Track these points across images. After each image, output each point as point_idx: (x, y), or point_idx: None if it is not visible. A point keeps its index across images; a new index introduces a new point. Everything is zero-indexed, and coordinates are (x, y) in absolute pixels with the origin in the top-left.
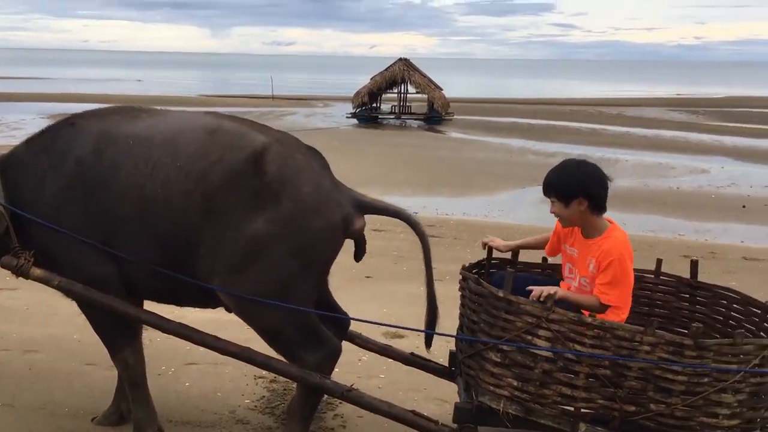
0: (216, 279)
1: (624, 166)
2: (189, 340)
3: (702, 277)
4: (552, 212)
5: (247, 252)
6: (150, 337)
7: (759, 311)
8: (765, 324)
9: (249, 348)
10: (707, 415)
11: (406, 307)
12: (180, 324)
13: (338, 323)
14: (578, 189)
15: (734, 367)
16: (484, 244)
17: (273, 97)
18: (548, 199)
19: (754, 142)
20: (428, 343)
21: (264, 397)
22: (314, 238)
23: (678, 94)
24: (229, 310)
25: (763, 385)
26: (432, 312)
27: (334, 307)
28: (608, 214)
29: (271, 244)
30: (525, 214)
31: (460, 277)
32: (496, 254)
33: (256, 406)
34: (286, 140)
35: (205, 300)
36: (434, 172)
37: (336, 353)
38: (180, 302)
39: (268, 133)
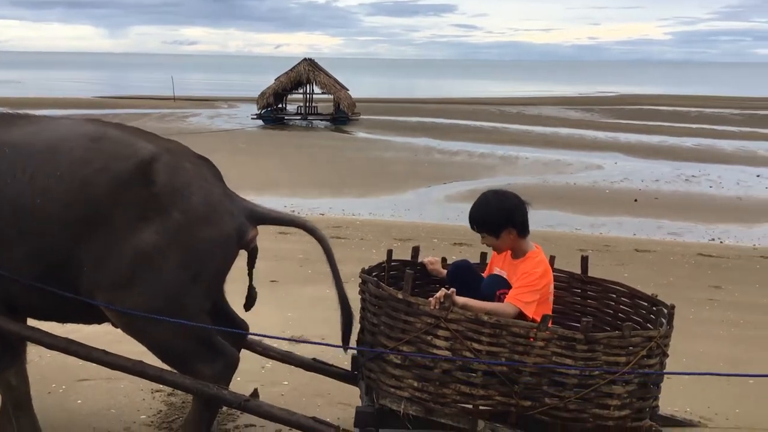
0: (100, 294)
1: (524, 163)
2: (75, 356)
3: (596, 270)
4: (484, 243)
5: (134, 265)
6: (40, 353)
7: (646, 303)
8: (651, 316)
9: (141, 361)
10: (599, 407)
11: (311, 311)
12: (66, 339)
13: (236, 334)
14: (506, 221)
15: (623, 359)
16: (425, 264)
17: (175, 98)
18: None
19: (644, 138)
20: (345, 347)
21: (161, 411)
22: (205, 249)
23: (579, 94)
24: (116, 325)
25: (650, 375)
26: (347, 314)
27: (231, 316)
28: None
29: (160, 257)
30: (431, 212)
31: (360, 280)
32: (396, 256)
33: (152, 422)
34: (175, 149)
35: (91, 316)
36: (341, 172)
37: (233, 363)
38: (64, 319)
39: (157, 141)
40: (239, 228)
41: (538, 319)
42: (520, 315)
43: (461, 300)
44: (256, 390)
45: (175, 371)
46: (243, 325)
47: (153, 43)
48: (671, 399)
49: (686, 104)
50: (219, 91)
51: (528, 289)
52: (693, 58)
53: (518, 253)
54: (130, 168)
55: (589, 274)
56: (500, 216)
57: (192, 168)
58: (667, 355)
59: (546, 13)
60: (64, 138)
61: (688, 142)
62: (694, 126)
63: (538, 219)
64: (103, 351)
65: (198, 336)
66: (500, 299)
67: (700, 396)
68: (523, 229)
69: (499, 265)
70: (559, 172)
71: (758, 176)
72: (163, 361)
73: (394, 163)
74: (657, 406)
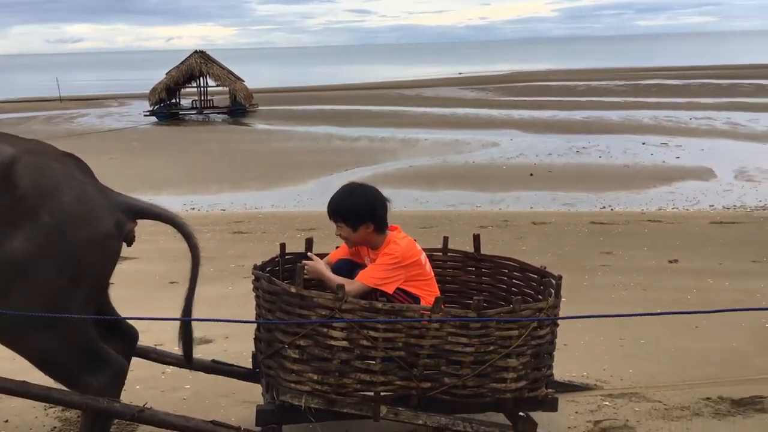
0: None
1: (424, 145)
2: None
3: (496, 245)
4: (338, 235)
5: (6, 276)
6: None
7: (536, 276)
8: (541, 287)
9: (24, 382)
10: (496, 381)
11: (214, 310)
12: None
13: (126, 338)
14: (366, 213)
15: (515, 333)
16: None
17: (61, 99)
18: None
19: (537, 113)
20: (188, 358)
21: (55, 428)
22: (83, 250)
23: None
24: None
25: (542, 345)
26: (187, 332)
27: (118, 322)
28: (413, 193)
29: (33, 265)
30: None
31: (253, 277)
32: (289, 249)
33: None
34: (38, 149)
35: None
36: (241, 165)
37: (122, 372)
38: None
39: (17, 143)
40: (118, 224)
41: (424, 297)
42: (374, 292)
43: (318, 267)
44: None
45: (62, 388)
46: (132, 332)
47: (36, 42)
48: (568, 365)
49: (574, 78)
50: (108, 90)
51: (382, 268)
52: (579, 33)
53: (377, 244)
54: None
55: (490, 250)
56: (363, 209)
57: (58, 167)
58: (557, 325)
59: None
60: None
61: (578, 115)
62: (582, 99)
63: (440, 199)
64: None
65: (82, 345)
66: None
67: (596, 360)
68: (380, 226)
69: (364, 254)
70: (458, 152)
71: (643, 144)
72: (47, 374)
73: (296, 152)
74: (552, 375)
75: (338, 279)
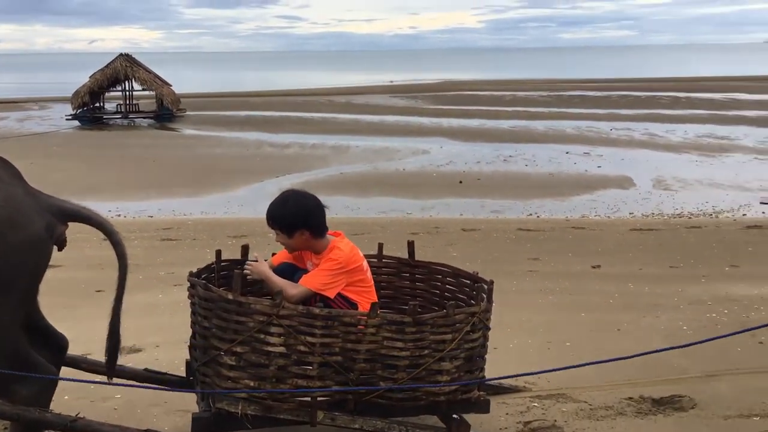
0: None
1: (355, 152)
2: None
3: (427, 252)
4: (277, 241)
5: None
6: None
7: (468, 281)
8: (474, 292)
9: None
10: (430, 384)
11: (145, 319)
12: None
13: (55, 347)
14: (300, 221)
15: (449, 336)
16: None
17: None
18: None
19: (465, 122)
20: (110, 373)
21: None
22: (13, 254)
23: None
24: None
25: (475, 349)
26: (114, 337)
27: (48, 330)
28: (344, 200)
29: None
30: (265, 207)
31: (188, 284)
32: (231, 254)
33: None
34: None
35: None
36: (168, 171)
37: (53, 381)
38: None
39: None
40: (48, 227)
41: (361, 303)
42: (316, 295)
43: (262, 268)
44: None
45: None
46: (61, 340)
47: None
48: (500, 368)
49: (501, 88)
50: (28, 92)
51: (325, 273)
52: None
53: (319, 249)
54: None
55: (419, 257)
56: (297, 217)
57: None
58: (489, 328)
59: (367, 3)
60: None
61: (505, 124)
62: (509, 109)
63: (371, 206)
64: None
65: (12, 352)
66: None
67: (526, 362)
68: (318, 231)
69: (307, 259)
70: (388, 159)
71: (567, 153)
72: None
73: (225, 158)
74: (483, 377)
75: (282, 281)
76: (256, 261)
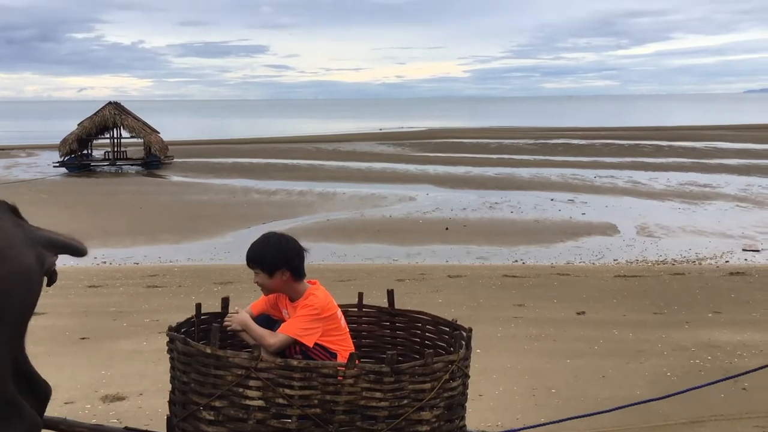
0: None
1: (341, 199)
2: None
3: (413, 298)
4: (255, 282)
5: None
6: None
7: (448, 329)
8: (453, 340)
9: None
10: None
11: (128, 366)
12: None
13: (39, 394)
14: (281, 261)
15: (428, 386)
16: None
17: None
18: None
19: (452, 169)
20: None
21: None
22: (4, 286)
23: (394, 129)
24: None
25: (454, 397)
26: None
27: (33, 376)
28: (331, 247)
29: None
30: None
31: (167, 339)
32: (216, 300)
33: None
34: None
35: None
36: (155, 218)
37: (36, 429)
38: None
39: None
40: (39, 258)
41: (340, 353)
42: (295, 345)
43: (243, 318)
44: None
45: None
46: (44, 388)
47: None
48: (483, 415)
49: (487, 136)
50: (16, 140)
51: (303, 320)
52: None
53: (295, 296)
54: None
55: (407, 303)
56: (278, 256)
57: None
58: (468, 376)
59: (355, 53)
60: None
61: (490, 171)
62: (494, 156)
63: (358, 252)
64: None
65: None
66: None
67: (509, 410)
68: (297, 273)
69: (281, 307)
70: (375, 206)
71: (552, 200)
72: None
73: (212, 205)
74: (464, 426)
75: (262, 330)
76: (237, 313)
